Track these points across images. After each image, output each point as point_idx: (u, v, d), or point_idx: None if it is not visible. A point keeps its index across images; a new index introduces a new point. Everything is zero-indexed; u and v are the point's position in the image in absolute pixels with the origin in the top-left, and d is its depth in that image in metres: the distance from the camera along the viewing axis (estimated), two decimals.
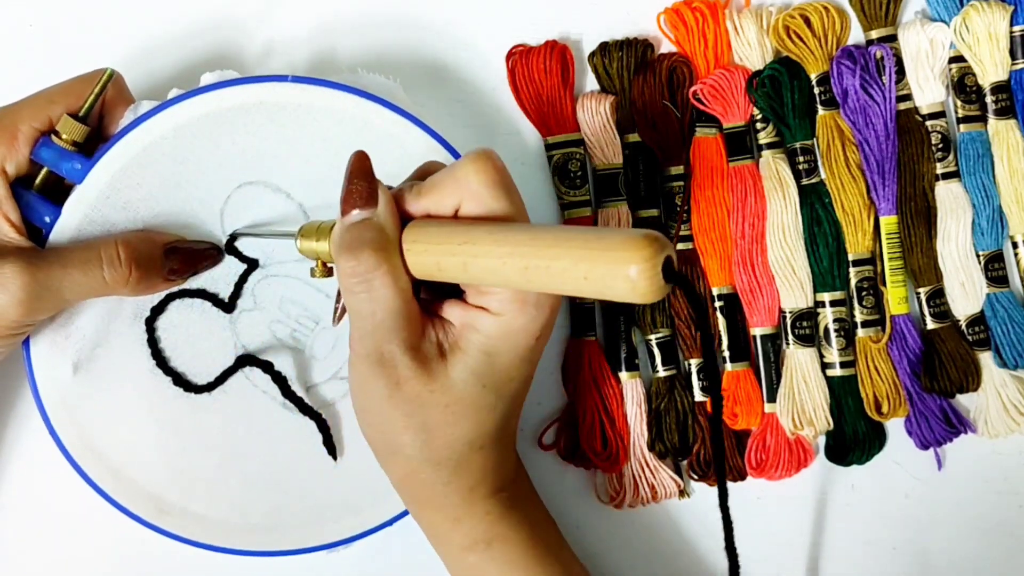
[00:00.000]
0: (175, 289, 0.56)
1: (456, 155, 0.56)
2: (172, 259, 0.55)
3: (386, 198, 0.47)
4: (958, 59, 0.61)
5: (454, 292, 0.49)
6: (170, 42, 0.62)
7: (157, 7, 0.62)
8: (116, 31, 0.62)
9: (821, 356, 0.60)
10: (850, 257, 0.60)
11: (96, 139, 0.56)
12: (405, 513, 0.56)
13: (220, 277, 0.57)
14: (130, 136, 0.55)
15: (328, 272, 0.51)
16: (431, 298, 0.50)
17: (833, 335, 0.60)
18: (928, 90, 0.61)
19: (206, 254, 0.56)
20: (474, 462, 0.50)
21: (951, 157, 0.61)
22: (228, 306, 0.57)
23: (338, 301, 0.52)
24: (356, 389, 0.50)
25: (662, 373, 0.60)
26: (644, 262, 0.39)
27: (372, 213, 0.47)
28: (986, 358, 0.60)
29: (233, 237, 0.56)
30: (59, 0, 0.62)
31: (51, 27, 0.62)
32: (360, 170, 0.48)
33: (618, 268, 0.39)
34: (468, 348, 0.48)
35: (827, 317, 0.60)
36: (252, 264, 0.57)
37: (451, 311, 0.49)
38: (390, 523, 0.57)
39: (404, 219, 0.48)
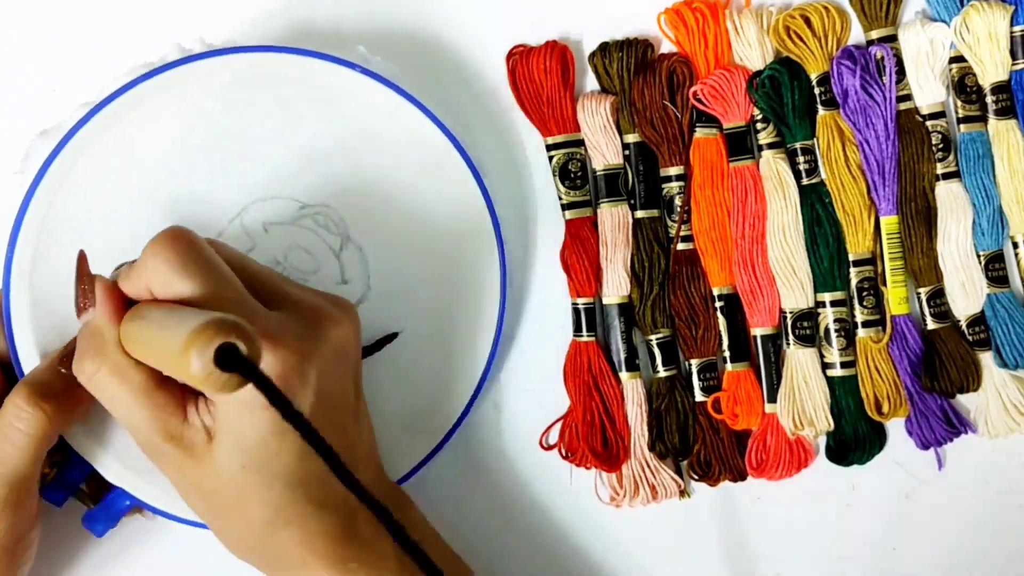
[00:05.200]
0: None
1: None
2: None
3: (102, 296, 0.46)
4: (958, 59, 0.61)
5: None
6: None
7: None
8: None
9: (821, 356, 0.60)
10: (850, 257, 0.60)
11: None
12: None
13: None
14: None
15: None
16: None
17: (833, 335, 0.60)
18: (928, 90, 0.61)
19: None
20: (287, 539, 0.47)
21: (951, 157, 0.61)
22: None
23: None
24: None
25: (662, 373, 0.60)
26: (197, 355, 0.37)
27: (89, 315, 0.47)
28: (986, 358, 0.60)
29: None
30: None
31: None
32: (79, 272, 0.48)
33: (183, 360, 0.37)
34: (220, 429, 0.46)
35: (827, 317, 0.60)
36: None
37: None
38: None
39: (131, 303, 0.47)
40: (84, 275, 0.48)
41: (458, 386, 0.58)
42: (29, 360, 0.53)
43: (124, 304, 0.47)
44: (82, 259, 0.48)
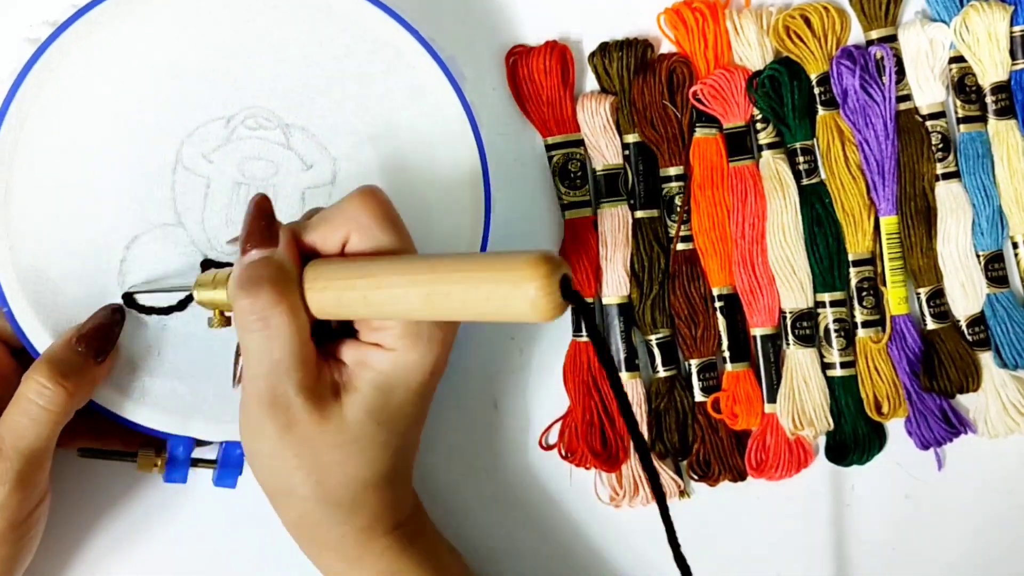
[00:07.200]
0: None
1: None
2: (89, 344, 0.52)
3: (287, 238, 0.47)
4: (958, 59, 0.61)
5: (350, 334, 0.49)
6: None
7: None
8: None
9: (821, 356, 0.60)
10: (850, 257, 0.60)
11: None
12: None
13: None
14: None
15: (226, 321, 0.51)
16: (328, 340, 0.49)
17: (833, 335, 0.60)
18: (928, 90, 0.61)
19: (112, 321, 0.53)
20: (370, 501, 0.49)
21: (951, 157, 0.61)
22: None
23: (237, 362, 0.52)
24: (246, 430, 0.49)
25: (662, 373, 0.60)
26: (542, 279, 0.39)
27: (272, 252, 0.47)
28: (986, 358, 0.60)
29: (128, 296, 0.54)
30: None
31: None
32: (261, 210, 0.48)
33: (517, 288, 0.40)
34: (361, 386, 0.47)
35: (827, 317, 0.60)
36: (183, 304, 0.55)
37: (346, 351, 0.48)
38: None
39: (305, 258, 0.48)
40: (267, 214, 0.48)
41: None
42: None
43: (301, 252, 0.48)
44: (266, 199, 0.49)
